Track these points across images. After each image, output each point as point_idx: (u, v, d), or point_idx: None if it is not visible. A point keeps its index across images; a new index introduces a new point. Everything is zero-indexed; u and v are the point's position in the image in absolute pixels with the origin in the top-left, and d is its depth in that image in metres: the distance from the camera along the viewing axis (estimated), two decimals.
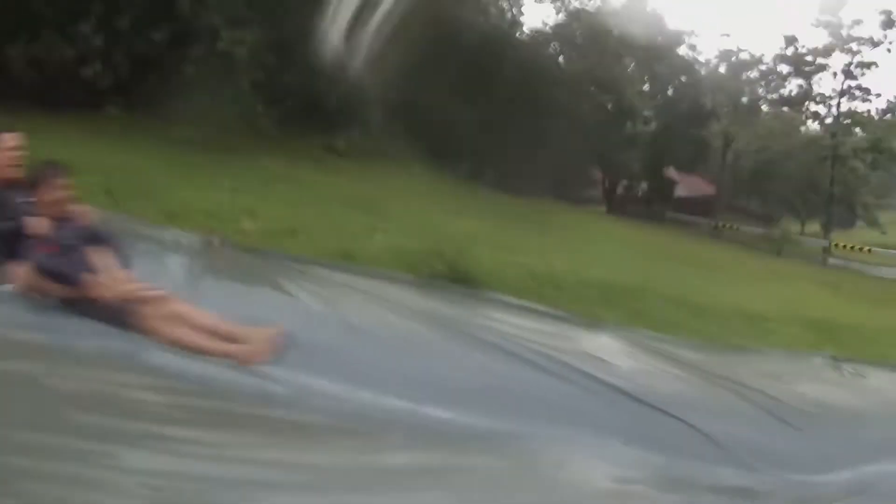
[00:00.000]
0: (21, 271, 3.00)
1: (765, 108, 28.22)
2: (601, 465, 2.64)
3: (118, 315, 2.88)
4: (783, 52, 27.33)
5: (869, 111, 27.33)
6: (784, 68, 27.66)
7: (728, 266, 12.87)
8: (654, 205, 27.33)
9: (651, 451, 2.85)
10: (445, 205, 8.98)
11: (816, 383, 4.79)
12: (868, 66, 26.85)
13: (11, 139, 3.47)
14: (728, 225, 26.08)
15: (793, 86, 27.75)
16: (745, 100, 27.52)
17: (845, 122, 27.55)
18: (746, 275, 12.20)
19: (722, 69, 28.08)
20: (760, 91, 28.04)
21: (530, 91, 14.99)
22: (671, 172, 28.62)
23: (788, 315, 7.26)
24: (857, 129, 27.53)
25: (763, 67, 27.85)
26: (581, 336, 3.64)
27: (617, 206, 26.13)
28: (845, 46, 26.77)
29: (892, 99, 27.33)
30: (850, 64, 26.89)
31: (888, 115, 27.50)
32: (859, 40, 26.65)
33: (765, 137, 26.28)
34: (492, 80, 13.55)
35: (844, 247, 25.87)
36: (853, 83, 27.16)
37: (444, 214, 7.88)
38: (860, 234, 28.78)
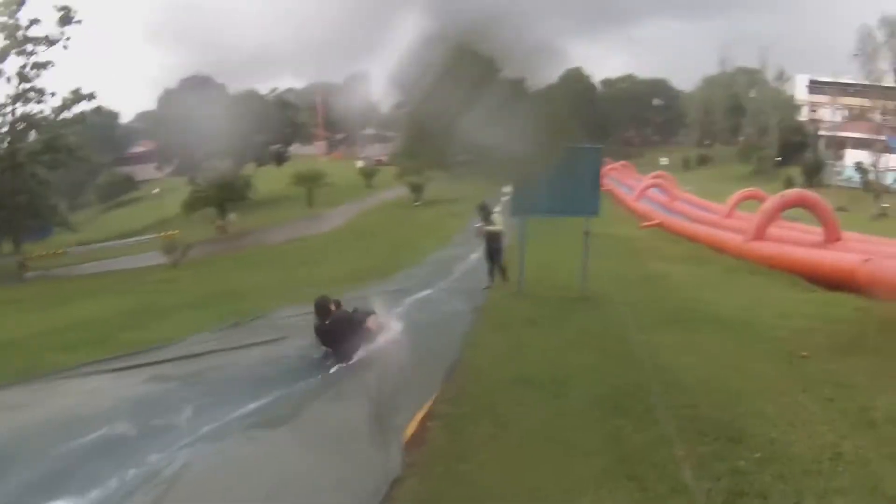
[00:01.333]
0: None
1: None
2: None
3: None
4: None
5: (43, 112, 25.54)
6: None
7: None
8: None
9: None
10: None
11: None
12: (44, 65, 25.22)
13: None
14: None
15: None
16: None
17: (20, 126, 25.34)
18: None
19: None
20: None
21: None
22: None
23: None
24: (33, 133, 25.19)
25: None
26: None
27: None
28: (21, 48, 24.67)
29: (67, 95, 26.12)
30: (26, 66, 24.87)
31: (64, 113, 25.79)
32: (35, 40, 24.81)
33: None
34: None
35: (43, 255, 24.06)
36: (28, 85, 25.17)
37: None
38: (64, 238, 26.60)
